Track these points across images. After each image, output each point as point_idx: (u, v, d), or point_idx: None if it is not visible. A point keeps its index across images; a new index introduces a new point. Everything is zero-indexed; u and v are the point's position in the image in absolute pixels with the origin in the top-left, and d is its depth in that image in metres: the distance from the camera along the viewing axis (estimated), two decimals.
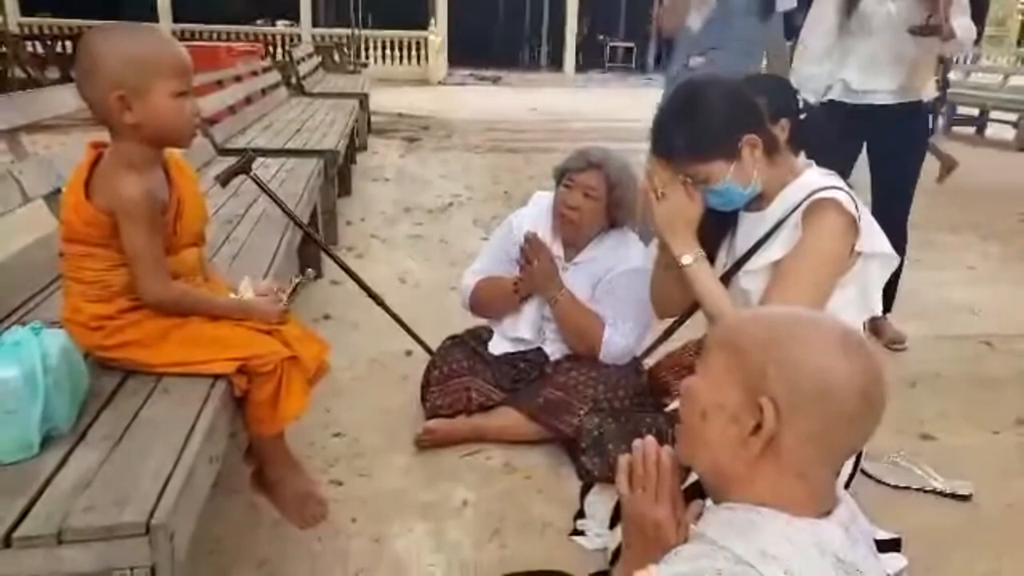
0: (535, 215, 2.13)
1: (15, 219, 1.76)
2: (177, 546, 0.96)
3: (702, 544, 0.74)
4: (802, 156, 1.46)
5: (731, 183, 1.31)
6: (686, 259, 1.33)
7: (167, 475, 1.01)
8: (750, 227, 1.39)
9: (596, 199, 1.98)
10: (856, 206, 1.30)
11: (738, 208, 1.39)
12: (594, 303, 2.03)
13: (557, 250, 2.08)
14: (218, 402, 1.24)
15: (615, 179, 1.98)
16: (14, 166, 1.82)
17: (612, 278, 2.02)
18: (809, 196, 1.30)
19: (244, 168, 2.14)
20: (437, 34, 14.51)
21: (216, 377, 1.29)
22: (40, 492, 0.97)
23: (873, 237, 1.32)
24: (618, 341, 1.98)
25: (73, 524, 0.91)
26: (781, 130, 1.57)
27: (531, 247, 1.99)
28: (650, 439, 0.89)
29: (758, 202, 1.37)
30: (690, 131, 1.30)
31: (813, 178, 1.34)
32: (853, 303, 1.34)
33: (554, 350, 2.09)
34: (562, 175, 2.05)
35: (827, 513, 0.75)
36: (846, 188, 1.32)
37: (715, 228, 1.43)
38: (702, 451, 0.79)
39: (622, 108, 10.73)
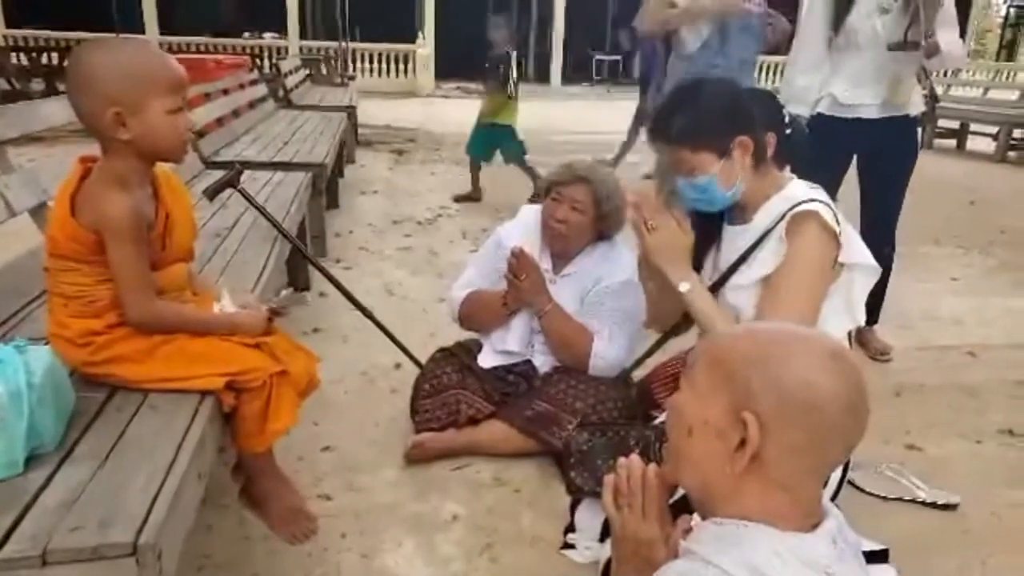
0: (523, 228, 2.14)
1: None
2: (165, 565, 0.95)
3: (691, 561, 0.74)
4: (787, 170, 1.48)
5: (715, 180, 1.33)
6: (683, 287, 1.35)
7: (154, 493, 1.00)
8: (734, 240, 1.41)
9: (583, 212, 2.00)
10: (836, 218, 1.32)
11: (715, 210, 1.40)
12: (582, 316, 2.03)
13: (545, 263, 2.08)
14: (206, 418, 1.23)
15: (602, 192, 1.99)
16: None
17: (600, 290, 2.03)
18: (791, 208, 1.32)
19: (232, 182, 2.14)
20: (425, 47, 14.58)
21: (204, 393, 1.28)
22: (25, 511, 0.95)
23: (854, 249, 1.34)
24: (607, 354, 1.99)
25: (59, 544, 0.89)
26: (768, 144, 1.59)
27: (518, 262, 1.99)
28: (634, 457, 0.88)
29: (742, 214, 1.39)
30: (690, 117, 1.32)
31: (796, 191, 1.37)
32: (838, 314, 1.36)
33: (543, 362, 2.09)
34: (549, 188, 2.06)
35: (814, 526, 0.75)
36: (827, 201, 1.35)
37: (700, 240, 1.44)
38: (689, 467, 0.80)
39: (609, 121, 10.79)
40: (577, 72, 17.42)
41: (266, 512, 1.52)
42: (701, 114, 1.33)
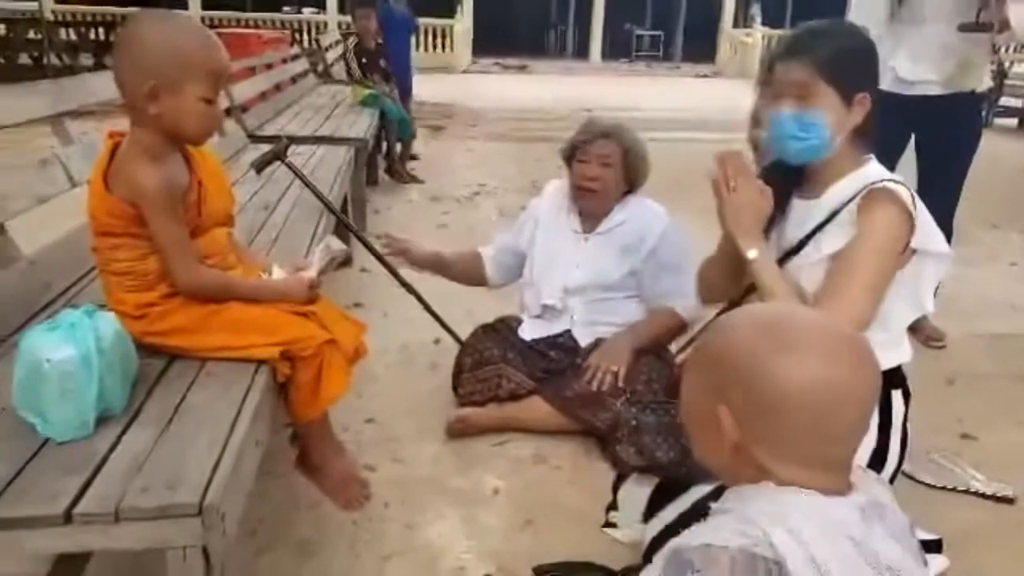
0: (551, 198, 2.21)
1: (61, 203, 1.79)
2: (227, 526, 0.98)
3: (719, 515, 0.76)
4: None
5: (824, 120, 1.26)
6: (751, 254, 1.30)
7: (216, 457, 1.03)
8: (803, 214, 1.35)
9: (613, 165, 2.04)
10: (913, 201, 1.27)
11: (800, 159, 1.33)
12: (645, 291, 2.07)
13: (575, 224, 2.13)
14: (262, 387, 1.26)
15: (628, 143, 2.05)
16: (60, 151, 1.85)
17: (650, 250, 2.05)
18: (866, 187, 1.27)
19: (279, 155, 2.16)
20: (462, 22, 14.46)
21: (260, 362, 1.31)
22: (96, 471, 0.99)
23: (928, 235, 1.28)
24: (692, 307, 1.99)
25: (129, 503, 0.93)
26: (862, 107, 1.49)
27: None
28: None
29: (814, 187, 1.34)
30: (838, 48, 1.27)
31: (873, 171, 1.31)
32: (905, 301, 1.31)
33: (584, 335, 2.08)
34: (573, 151, 2.09)
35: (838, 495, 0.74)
36: (904, 183, 1.29)
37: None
38: (694, 444, 0.84)
39: (649, 97, 10.61)
40: (617, 48, 17.12)
41: (321, 479, 1.55)
42: (852, 50, 1.27)
